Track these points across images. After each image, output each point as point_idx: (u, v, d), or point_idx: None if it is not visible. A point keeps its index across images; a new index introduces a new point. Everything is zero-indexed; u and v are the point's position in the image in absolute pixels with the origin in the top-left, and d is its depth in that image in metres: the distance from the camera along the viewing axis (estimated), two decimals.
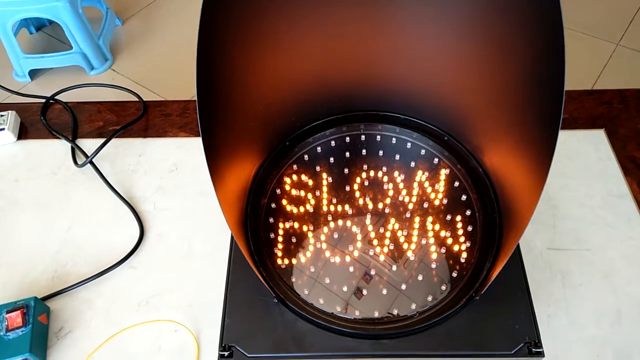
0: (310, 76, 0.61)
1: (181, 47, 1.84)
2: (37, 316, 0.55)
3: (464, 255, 0.56)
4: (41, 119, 0.78)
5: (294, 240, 0.58)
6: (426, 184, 0.62)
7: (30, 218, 0.67)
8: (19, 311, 0.54)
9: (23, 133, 0.78)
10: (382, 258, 0.57)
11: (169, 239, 0.65)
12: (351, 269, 0.56)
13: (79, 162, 0.72)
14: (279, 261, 0.57)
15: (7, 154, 0.75)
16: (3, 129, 0.75)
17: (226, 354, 0.50)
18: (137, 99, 0.81)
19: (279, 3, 0.51)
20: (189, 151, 0.74)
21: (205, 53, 0.43)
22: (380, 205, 0.61)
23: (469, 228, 0.58)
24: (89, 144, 0.75)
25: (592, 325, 0.55)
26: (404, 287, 0.54)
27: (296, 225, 0.59)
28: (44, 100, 0.81)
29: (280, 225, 0.59)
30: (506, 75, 0.52)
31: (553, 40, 0.41)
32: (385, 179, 0.63)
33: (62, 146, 0.75)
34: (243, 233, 0.57)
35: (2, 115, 0.76)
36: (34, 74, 1.91)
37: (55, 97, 0.81)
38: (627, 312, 0.56)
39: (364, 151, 0.65)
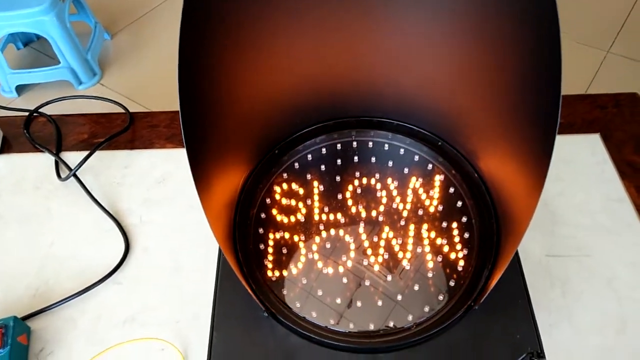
0: (299, 82, 0.59)
1: (170, 61, 1.83)
2: (17, 337, 0.53)
3: (461, 263, 0.54)
4: (24, 132, 0.76)
5: (284, 251, 0.56)
6: (420, 191, 0.60)
7: (12, 234, 0.65)
8: None
9: (6, 147, 0.75)
10: (376, 268, 0.55)
11: (155, 253, 0.62)
12: (345, 280, 0.54)
13: (63, 176, 0.70)
14: (270, 273, 0.54)
15: None
16: None
17: None
18: (123, 111, 0.79)
19: (265, 8, 0.50)
20: (176, 162, 0.72)
21: (186, 57, 0.42)
22: (374, 214, 0.59)
23: (466, 235, 0.56)
24: (73, 157, 0.73)
25: (596, 334, 0.53)
26: (399, 297, 0.52)
27: (287, 235, 0.57)
28: (27, 114, 0.79)
29: (271, 235, 0.57)
30: (501, 78, 0.51)
31: (549, 40, 0.40)
32: (379, 186, 0.61)
33: (45, 160, 0.73)
34: (231, 245, 0.55)
35: None
36: (21, 89, 1.89)
37: (39, 110, 0.79)
38: (632, 319, 0.54)
39: (355, 158, 0.63)
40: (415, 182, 0.61)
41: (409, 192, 0.60)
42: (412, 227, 0.57)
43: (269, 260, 0.55)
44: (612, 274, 0.58)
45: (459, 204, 0.59)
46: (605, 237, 0.61)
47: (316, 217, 0.59)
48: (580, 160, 0.69)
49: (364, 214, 0.59)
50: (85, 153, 0.71)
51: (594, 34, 1.96)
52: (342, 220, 0.58)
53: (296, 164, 0.63)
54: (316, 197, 0.60)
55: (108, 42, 2.10)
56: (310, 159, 0.63)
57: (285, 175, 0.62)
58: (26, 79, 1.84)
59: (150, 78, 1.92)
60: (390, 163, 0.62)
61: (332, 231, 0.58)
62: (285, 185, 0.61)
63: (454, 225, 0.57)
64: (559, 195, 0.65)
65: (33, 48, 2.10)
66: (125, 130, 0.76)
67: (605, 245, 0.60)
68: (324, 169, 0.62)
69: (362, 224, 0.58)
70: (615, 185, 0.66)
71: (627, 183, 0.65)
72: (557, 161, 0.69)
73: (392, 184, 0.61)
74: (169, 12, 2.20)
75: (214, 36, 0.48)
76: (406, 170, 0.62)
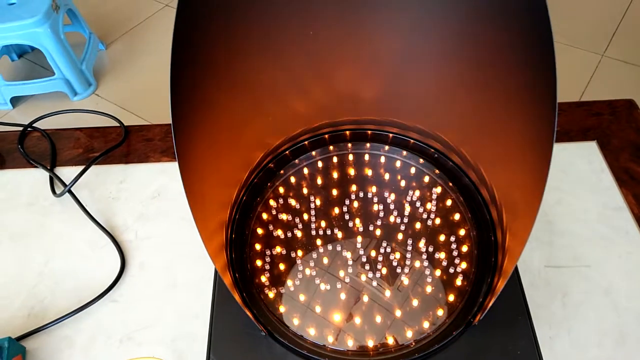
0: (293, 95, 0.59)
1: (165, 70, 1.83)
2: (12, 358, 0.52)
3: (460, 277, 0.54)
4: (18, 148, 0.76)
5: (282, 267, 0.56)
6: (418, 204, 0.60)
7: (6, 252, 0.64)
8: None
9: None
10: (374, 283, 0.54)
11: (151, 270, 0.62)
12: (343, 295, 0.54)
13: (57, 192, 0.69)
14: (267, 290, 0.54)
15: None
16: None
17: None
18: (118, 124, 0.78)
19: (259, 23, 0.50)
20: (172, 176, 0.72)
21: (178, 70, 0.41)
22: (371, 227, 0.58)
23: (464, 248, 0.56)
24: (68, 172, 0.72)
25: (596, 345, 0.53)
26: (398, 313, 0.52)
27: (284, 251, 0.57)
28: (21, 128, 0.78)
29: (267, 251, 0.57)
30: (496, 88, 0.51)
31: (542, 48, 0.40)
32: (375, 199, 0.60)
33: (40, 175, 0.73)
34: (227, 263, 0.54)
35: None
36: (15, 101, 1.88)
37: (34, 125, 0.79)
38: (630, 330, 0.54)
39: (352, 171, 0.62)
40: (412, 195, 0.60)
41: (406, 204, 0.60)
42: (409, 240, 0.57)
43: (266, 277, 0.55)
44: (611, 284, 0.57)
45: (457, 216, 0.58)
46: (604, 246, 0.61)
47: (313, 232, 0.58)
48: (578, 169, 0.68)
49: (361, 228, 0.58)
50: (80, 168, 0.70)
51: (588, 37, 1.96)
52: (340, 235, 0.58)
53: (292, 178, 0.62)
54: (313, 212, 0.60)
55: (103, 53, 2.09)
56: (307, 172, 0.63)
57: (281, 189, 0.61)
58: (21, 90, 1.84)
59: (146, 87, 1.91)
60: (387, 175, 0.62)
61: (330, 246, 0.57)
62: (281, 200, 0.61)
63: (452, 238, 0.57)
64: (556, 204, 0.65)
65: (27, 59, 2.09)
66: (120, 144, 0.75)
67: (604, 254, 0.60)
68: (320, 183, 0.62)
69: (359, 238, 0.58)
70: (613, 193, 0.65)
71: (625, 191, 0.65)
72: (554, 170, 0.67)
73: (389, 197, 0.60)
74: (163, 21, 2.20)
75: (206, 47, 0.47)
76: (403, 183, 0.61)
